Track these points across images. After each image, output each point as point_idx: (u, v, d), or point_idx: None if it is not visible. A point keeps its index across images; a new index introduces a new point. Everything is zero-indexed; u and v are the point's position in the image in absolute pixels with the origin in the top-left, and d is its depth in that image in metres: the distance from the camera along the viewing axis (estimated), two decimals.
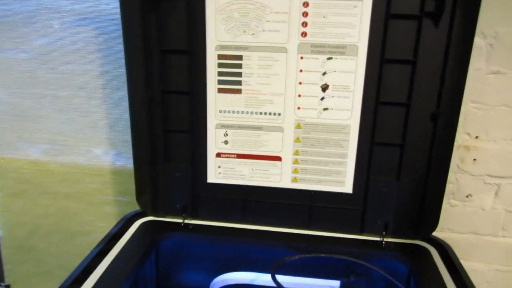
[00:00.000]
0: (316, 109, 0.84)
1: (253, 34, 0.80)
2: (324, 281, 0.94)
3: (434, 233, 0.89)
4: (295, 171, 0.89)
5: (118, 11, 0.80)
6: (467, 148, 0.99)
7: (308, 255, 0.84)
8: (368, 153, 0.85)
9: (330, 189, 0.89)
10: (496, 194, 1.03)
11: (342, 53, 0.80)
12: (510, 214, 1.04)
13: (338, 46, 0.80)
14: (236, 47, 0.82)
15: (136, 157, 0.89)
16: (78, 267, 0.75)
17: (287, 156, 0.88)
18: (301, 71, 0.82)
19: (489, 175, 1.01)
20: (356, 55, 0.80)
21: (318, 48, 0.80)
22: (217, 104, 0.86)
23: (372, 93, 0.82)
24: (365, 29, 0.78)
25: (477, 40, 0.90)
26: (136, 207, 0.95)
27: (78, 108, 1.12)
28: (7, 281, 1.32)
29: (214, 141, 0.88)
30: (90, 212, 1.22)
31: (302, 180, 0.89)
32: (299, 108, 0.84)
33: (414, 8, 0.76)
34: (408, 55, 0.79)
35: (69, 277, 0.72)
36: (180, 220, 0.93)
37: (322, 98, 0.83)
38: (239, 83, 0.84)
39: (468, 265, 1.10)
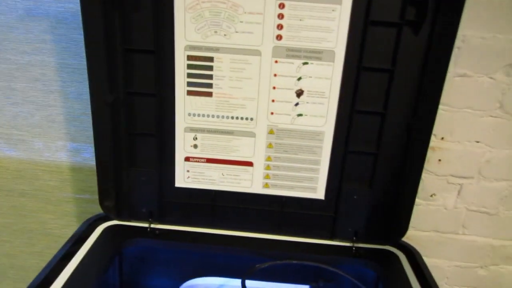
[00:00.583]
0: (290, 115, 0.81)
1: (225, 35, 0.76)
2: (293, 286, 0.93)
3: None
4: (267, 176, 0.86)
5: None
6: (432, 148, 1.00)
7: (279, 262, 0.83)
8: (341, 160, 0.84)
9: (302, 195, 0.87)
10: (458, 193, 1.05)
11: (319, 59, 0.77)
12: (470, 213, 1.07)
13: (314, 51, 0.76)
14: (207, 48, 0.77)
15: (99, 161, 0.84)
16: (40, 273, 0.71)
17: (259, 162, 0.85)
18: (275, 75, 0.78)
19: (453, 175, 1.03)
20: (333, 61, 0.77)
21: (293, 52, 0.77)
22: (186, 107, 0.81)
23: (348, 100, 0.80)
24: (343, 35, 0.75)
25: None
26: (97, 205, 0.90)
27: (34, 102, 1.04)
28: None
29: (182, 145, 0.84)
30: (48, 210, 1.16)
31: (274, 186, 0.87)
32: (272, 113, 0.81)
33: (395, 16, 0.74)
34: (386, 63, 0.77)
35: (31, 285, 0.68)
36: (146, 225, 0.89)
37: (297, 104, 0.80)
38: (210, 85, 0.79)
39: (430, 261, 1.12)
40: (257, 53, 0.77)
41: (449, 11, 0.72)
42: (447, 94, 0.93)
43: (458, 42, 0.88)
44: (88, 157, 1.09)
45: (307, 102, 0.80)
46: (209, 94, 0.80)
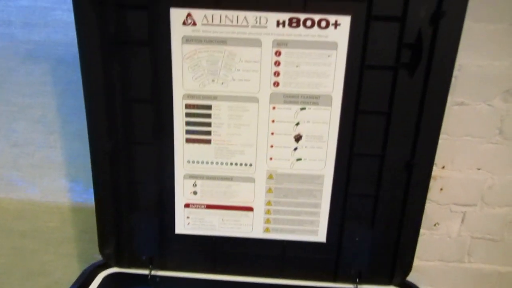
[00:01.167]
0: (289, 160, 0.81)
1: (222, 83, 0.76)
2: None
3: None
4: (267, 221, 0.85)
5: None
6: (434, 178, 0.99)
7: None
8: (342, 203, 0.83)
9: (303, 238, 0.86)
10: (462, 221, 1.04)
11: (316, 103, 0.77)
12: (475, 241, 1.06)
13: (311, 96, 0.77)
14: (205, 96, 0.77)
15: (99, 208, 0.84)
16: None
17: (259, 206, 0.84)
18: (273, 121, 0.78)
19: (455, 203, 1.02)
20: (330, 106, 0.77)
21: (291, 98, 0.77)
22: (185, 154, 0.81)
23: (347, 143, 0.79)
24: (339, 79, 0.75)
25: None
26: (97, 245, 0.89)
27: (35, 143, 1.05)
28: None
29: (182, 192, 0.84)
30: (48, 251, 1.15)
31: (275, 230, 0.86)
32: (271, 158, 0.81)
33: (390, 59, 0.74)
34: (383, 106, 0.77)
35: None
36: (146, 272, 0.88)
37: (295, 149, 0.80)
38: (208, 133, 0.79)
39: None
40: (254, 100, 0.77)
41: (443, 52, 0.72)
42: (446, 123, 0.93)
43: (454, 71, 0.88)
44: (89, 197, 1.09)
45: (305, 147, 0.80)
46: (208, 141, 0.80)
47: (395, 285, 0.89)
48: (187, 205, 0.85)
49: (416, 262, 1.06)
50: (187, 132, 0.79)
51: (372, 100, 0.76)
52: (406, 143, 0.79)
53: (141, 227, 0.86)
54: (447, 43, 0.71)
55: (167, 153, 0.81)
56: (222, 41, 0.73)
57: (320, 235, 0.85)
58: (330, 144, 0.79)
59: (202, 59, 0.75)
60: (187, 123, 0.79)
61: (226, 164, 0.81)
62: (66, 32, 0.94)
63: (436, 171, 0.98)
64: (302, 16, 0.72)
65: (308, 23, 0.72)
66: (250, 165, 0.81)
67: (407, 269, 0.87)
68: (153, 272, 0.88)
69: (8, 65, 0.97)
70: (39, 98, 1.00)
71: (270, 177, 0.82)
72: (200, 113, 0.78)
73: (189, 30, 0.73)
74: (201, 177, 0.82)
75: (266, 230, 0.86)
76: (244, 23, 0.72)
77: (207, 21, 0.72)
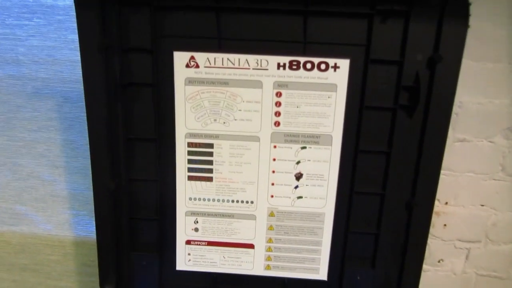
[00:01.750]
0: (289, 197, 0.81)
1: (224, 122, 0.78)
2: None
3: None
4: (268, 258, 0.85)
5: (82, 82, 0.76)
6: (437, 213, 0.99)
7: None
8: (343, 241, 0.83)
9: (304, 276, 0.86)
10: (466, 258, 1.03)
11: (316, 143, 0.78)
12: (481, 278, 1.05)
13: (312, 136, 0.78)
14: (207, 135, 0.79)
15: (100, 245, 0.84)
16: None
17: (260, 244, 0.84)
18: (274, 159, 0.79)
19: (459, 240, 1.02)
20: (331, 145, 0.78)
21: (291, 138, 0.78)
22: (187, 192, 0.82)
23: (347, 182, 0.80)
24: (339, 119, 0.77)
25: None
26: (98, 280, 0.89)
27: (39, 177, 1.06)
28: None
29: (183, 229, 0.84)
30: (48, 285, 1.15)
31: (276, 267, 0.86)
32: (272, 196, 0.81)
33: (388, 101, 0.76)
34: (383, 145, 0.78)
35: None
36: None
37: (296, 187, 0.81)
38: (210, 171, 0.81)
39: None
40: (255, 139, 0.78)
41: (441, 94, 0.74)
42: (449, 159, 0.94)
43: (455, 108, 0.90)
44: (91, 230, 1.10)
45: (306, 185, 0.80)
46: (210, 179, 0.81)
47: None
48: (188, 242, 0.85)
49: None
50: (189, 169, 0.81)
51: (372, 140, 0.78)
52: (407, 182, 0.79)
53: (142, 263, 0.86)
54: (445, 86, 0.73)
55: (169, 190, 0.82)
56: (224, 83, 0.75)
57: (321, 273, 0.85)
58: (330, 183, 0.80)
59: (205, 99, 0.77)
60: (189, 161, 0.80)
61: (228, 201, 0.82)
62: (73, 71, 0.96)
63: (439, 207, 0.98)
64: (302, 59, 0.74)
65: (308, 65, 0.74)
66: (251, 202, 0.82)
67: None
68: None
69: (16, 101, 1.00)
70: (44, 133, 1.02)
71: (271, 214, 0.82)
72: (202, 151, 0.79)
73: (192, 72, 0.75)
74: (203, 214, 0.83)
75: (267, 267, 0.86)
76: (246, 66, 0.74)
77: (210, 63, 0.74)
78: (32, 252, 1.12)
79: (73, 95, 0.99)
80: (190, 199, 0.82)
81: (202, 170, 0.81)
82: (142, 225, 0.84)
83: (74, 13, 0.71)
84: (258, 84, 0.75)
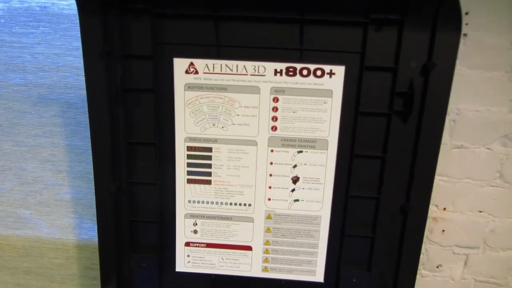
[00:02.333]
0: (286, 200, 0.83)
1: (222, 127, 0.80)
2: None
3: None
4: (266, 260, 0.87)
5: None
6: (435, 219, 1.00)
7: None
8: (339, 243, 0.85)
9: (301, 278, 0.87)
10: (465, 264, 1.03)
11: (313, 147, 0.80)
12: (479, 284, 1.05)
13: (308, 140, 0.80)
14: (206, 139, 0.81)
15: (102, 248, 0.86)
16: None
17: (258, 246, 0.86)
18: (271, 163, 0.81)
19: (458, 246, 1.02)
20: (327, 149, 0.80)
21: (288, 142, 0.80)
22: (186, 194, 0.84)
23: (343, 186, 0.82)
24: (335, 124, 0.79)
25: None
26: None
27: (44, 181, 1.08)
28: None
29: (183, 231, 0.86)
30: None
31: (273, 269, 0.87)
32: (269, 199, 0.83)
33: (383, 106, 0.77)
34: (378, 150, 0.79)
35: None
36: None
37: (293, 190, 0.82)
38: (209, 174, 0.82)
39: None
40: (253, 143, 0.80)
41: (435, 100, 0.75)
42: (446, 166, 0.95)
43: (453, 115, 0.91)
44: (94, 234, 1.11)
45: (303, 188, 0.82)
46: (208, 182, 0.83)
47: None
48: (187, 244, 0.87)
49: None
50: (188, 173, 0.83)
51: (367, 145, 0.79)
52: (401, 186, 0.81)
53: (142, 264, 0.88)
54: (438, 92, 0.75)
55: (169, 193, 0.84)
56: (223, 88, 0.77)
57: (318, 275, 0.86)
58: (326, 186, 0.81)
59: (204, 104, 0.79)
60: (189, 165, 0.82)
61: (226, 204, 0.84)
62: (76, 77, 0.99)
63: (437, 212, 0.99)
64: (298, 66, 0.76)
65: (304, 72, 0.76)
66: (249, 205, 0.83)
67: None
68: None
69: (21, 107, 1.02)
70: (49, 139, 1.04)
71: (268, 217, 0.84)
72: (201, 155, 0.81)
73: (191, 78, 0.77)
74: (202, 216, 0.85)
75: (265, 269, 0.87)
76: (244, 72, 0.76)
77: (209, 69, 0.77)
78: (36, 256, 1.14)
79: (77, 101, 1.01)
80: (189, 201, 0.84)
81: (201, 174, 0.82)
82: (142, 227, 0.86)
83: (78, 21, 0.74)
84: (255, 90, 0.77)
